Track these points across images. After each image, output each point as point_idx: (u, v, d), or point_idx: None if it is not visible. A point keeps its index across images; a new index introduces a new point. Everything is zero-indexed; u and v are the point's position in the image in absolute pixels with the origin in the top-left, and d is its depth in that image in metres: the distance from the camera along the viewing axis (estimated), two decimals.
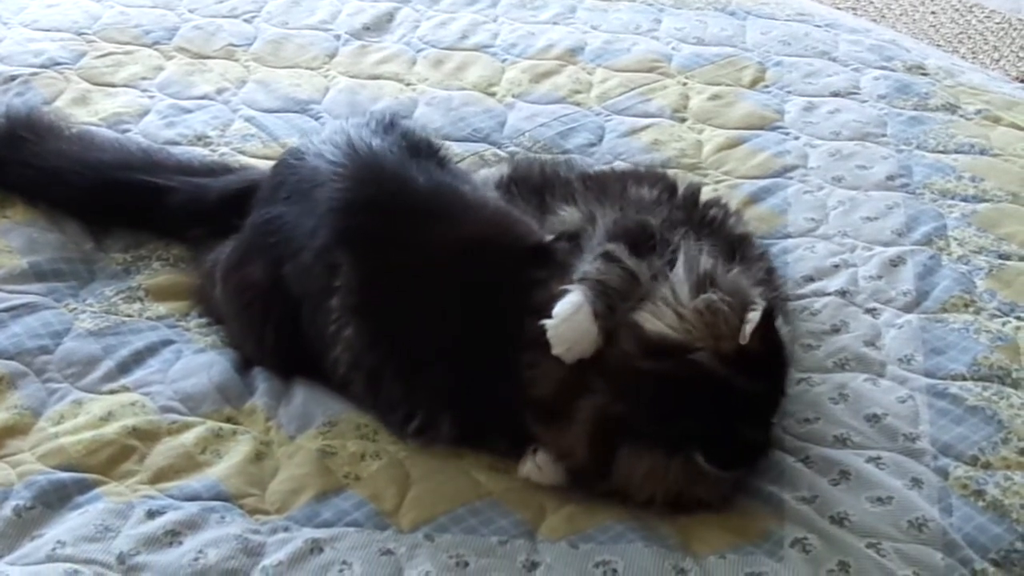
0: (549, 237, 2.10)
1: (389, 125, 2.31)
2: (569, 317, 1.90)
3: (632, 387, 1.86)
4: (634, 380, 1.87)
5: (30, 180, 2.50)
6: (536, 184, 2.34)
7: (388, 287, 2.06)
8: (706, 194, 2.41)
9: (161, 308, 2.32)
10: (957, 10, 4.81)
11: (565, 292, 1.92)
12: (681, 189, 2.34)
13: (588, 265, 1.96)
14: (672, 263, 1.96)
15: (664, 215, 2.18)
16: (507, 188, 2.34)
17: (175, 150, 2.67)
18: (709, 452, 1.84)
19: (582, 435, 1.89)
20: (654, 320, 1.89)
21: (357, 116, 2.38)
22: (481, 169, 2.60)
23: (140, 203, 2.44)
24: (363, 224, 2.10)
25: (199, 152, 2.69)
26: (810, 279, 2.38)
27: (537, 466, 1.96)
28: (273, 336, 2.17)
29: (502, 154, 2.73)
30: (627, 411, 1.86)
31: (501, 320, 1.97)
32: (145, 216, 2.45)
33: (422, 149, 2.28)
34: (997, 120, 2.89)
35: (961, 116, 2.90)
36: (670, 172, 2.54)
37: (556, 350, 1.89)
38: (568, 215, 2.19)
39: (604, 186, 2.32)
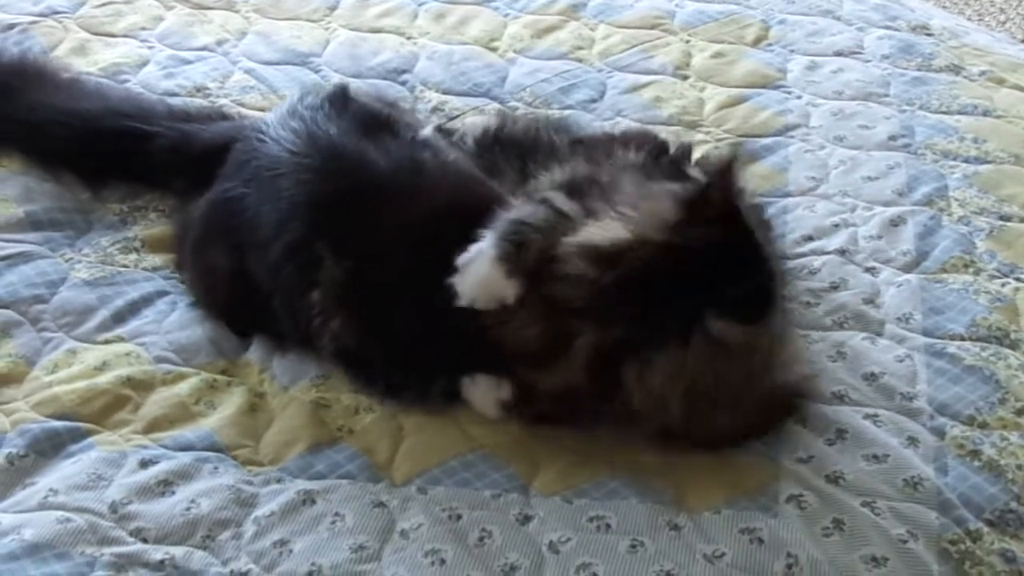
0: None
1: (343, 105, 2.26)
2: (467, 267, 1.89)
3: (609, 306, 1.83)
4: (607, 299, 1.84)
5: (15, 132, 2.49)
6: (521, 148, 2.30)
7: (370, 274, 2.03)
8: (698, 154, 2.41)
9: (157, 259, 2.31)
10: None
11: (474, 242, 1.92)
12: (672, 150, 2.33)
13: (516, 211, 1.94)
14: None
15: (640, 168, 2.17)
16: (490, 146, 2.30)
17: (173, 101, 2.65)
18: (719, 312, 1.81)
19: (581, 371, 1.86)
20: (601, 233, 1.86)
21: (310, 93, 2.30)
22: (469, 117, 2.58)
23: (125, 149, 2.41)
24: (336, 216, 2.06)
25: (197, 103, 2.67)
26: (809, 238, 2.37)
27: (476, 387, 1.98)
28: (241, 320, 2.17)
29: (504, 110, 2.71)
30: (617, 332, 1.83)
31: None
32: (132, 163, 2.42)
33: (374, 123, 2.23)
34: (1001, 82, 2.87)
35: (965, 77, 2.88)
36: (661, 134, 2.50)
37: (463, 301, 1.89)
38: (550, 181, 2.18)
39: (592, 150, 2.29)
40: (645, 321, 1.83)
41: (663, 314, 1.82)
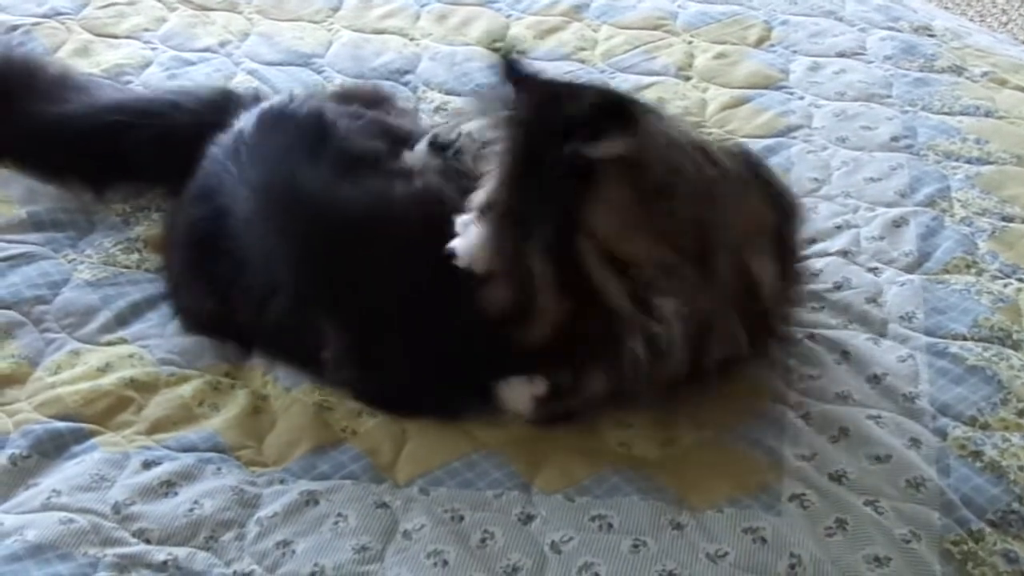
0: None
1: (319, 140, 2.18)
2: (467, 229, 1.92)
3: (528, 221, 1.88)
4: (517, 216, 1.89)
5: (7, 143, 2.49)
6: None
7: (375, 323, 2.01)
8: None
9: (159, 260, 2.30)
10: None
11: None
12: None
13: None
14: None
15: None
16: None
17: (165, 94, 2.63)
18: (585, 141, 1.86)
19: (558, 299, 1.89)
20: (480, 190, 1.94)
21: (281, 122, 2.23)
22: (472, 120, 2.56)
23: (120, 150, 2.40)
24: (322, 279, 2.03)
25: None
26: (812, 240, 2.36)
27: (511, 389, 1.97)
28: (240, 345, 2.16)
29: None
30: (552, 232, 1.87)
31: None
32: (128, 163, 2.41)
33: (351, 159, 2.15)
34: (1003, 82, 2.87)
35: (967, 78, 2.88)
36: None
37: (461, 263, 1.90)
38: None
39: None
40: (557, 206, 1.87)
41: (565, 189, 1.86)
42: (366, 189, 2.09)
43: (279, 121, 2.25)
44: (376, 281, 2.00)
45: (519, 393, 1.97)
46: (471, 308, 1.92)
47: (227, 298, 2.12)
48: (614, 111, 1.92)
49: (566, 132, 1.87)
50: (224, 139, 2.24)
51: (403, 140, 2.25)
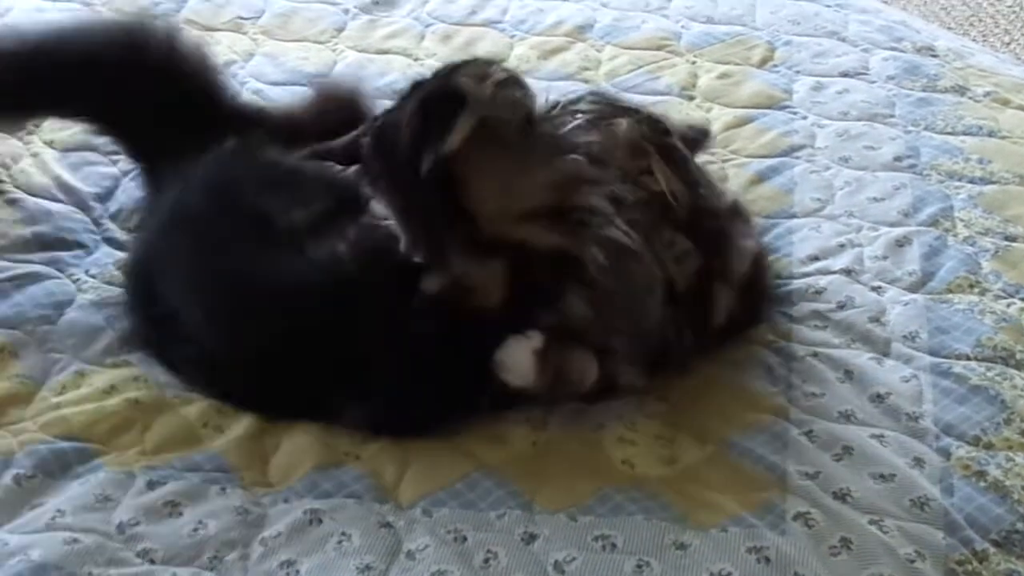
0: None
1: (261, 219, 2.11)
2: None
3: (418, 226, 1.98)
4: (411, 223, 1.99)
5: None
6: None
7: (372, 384, 1.99)
8: None
9: None
10: None
11: None
12: None
13: None
14: None
15: None
16: None
17: None
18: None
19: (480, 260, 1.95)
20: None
21: (227, 203, 2.17)
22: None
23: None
24: (306, 368, 2.02)
25: None
26: (815, 258, 2.37)
27: (509, 353, 1.96)
28: None
29: None
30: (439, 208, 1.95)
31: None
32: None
33: (309, 228, 2.09)
34: (1006, 102, 2.87)
35: (970, 98, 2.88)
36: None
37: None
38: None
39: None
40: (445, 212, 1.95)
41: (443, 194, 1.95)
42: (305, 269, 2.05)
43: (221, 198, 2.19)
44: (354, 346, 2.00)
45: (519, 354, 1.94)
46: (441, 316, 1.96)
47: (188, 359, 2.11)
48: (437, 98, 2.01)
49: (416, 146, 1.95)
50: (163, 202, 2.24)
51: (349, 194, 2.16)
